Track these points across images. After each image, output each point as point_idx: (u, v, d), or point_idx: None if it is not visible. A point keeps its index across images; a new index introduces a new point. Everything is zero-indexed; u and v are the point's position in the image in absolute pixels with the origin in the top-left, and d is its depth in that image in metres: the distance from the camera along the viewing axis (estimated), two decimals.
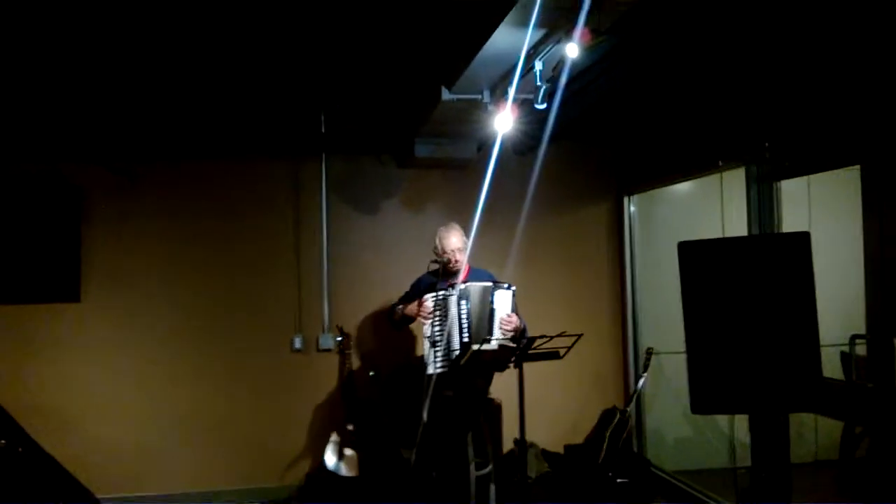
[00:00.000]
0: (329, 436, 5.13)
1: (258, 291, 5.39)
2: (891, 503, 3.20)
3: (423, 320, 4.27)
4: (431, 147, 5.00)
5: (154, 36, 3.86)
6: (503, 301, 4.22)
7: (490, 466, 4.38)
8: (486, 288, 4.24)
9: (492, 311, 4.18)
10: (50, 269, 5.08)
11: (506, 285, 4.26)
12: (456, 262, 4.38)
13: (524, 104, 3.75)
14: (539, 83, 3.24)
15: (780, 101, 3.89)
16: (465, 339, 4.18)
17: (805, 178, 4.84)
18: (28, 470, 4.66)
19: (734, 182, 4.50)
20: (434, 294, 4.25)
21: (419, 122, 4.64)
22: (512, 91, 3.43)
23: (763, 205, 4.05)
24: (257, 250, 5.40)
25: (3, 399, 4.86)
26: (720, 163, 4.35)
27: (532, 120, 4.21)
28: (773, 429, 3.92)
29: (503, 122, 3.76)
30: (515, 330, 4.17)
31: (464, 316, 4.21)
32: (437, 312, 4.23)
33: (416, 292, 4.52)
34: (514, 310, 4.24)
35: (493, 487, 4.38)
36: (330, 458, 4.97)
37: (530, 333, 4.05)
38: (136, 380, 5.22)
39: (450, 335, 4.21)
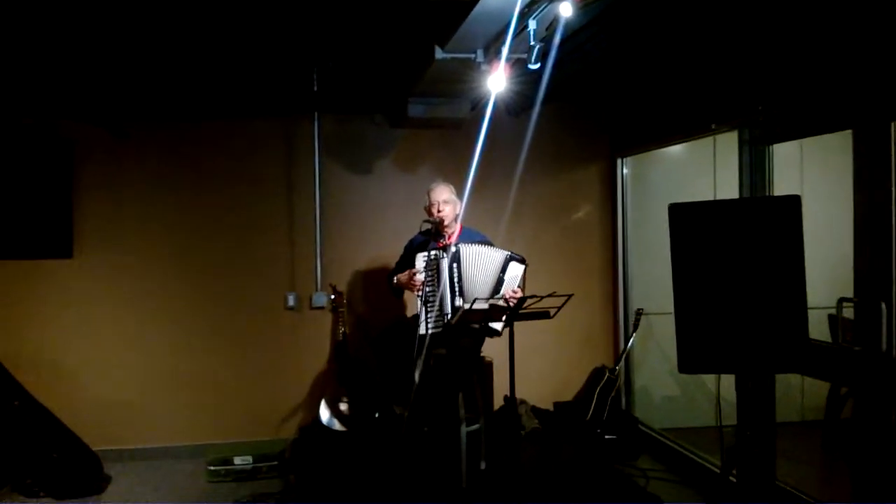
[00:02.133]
0: (323, 392, 5.20)
1: (252, 249, 5.40)
2: (873, 463, 3.28)
3: (416, 293, 4.29)
4: (424, 107, 4.97)
5: None
6: (514, 274, 4.23)
7: (481, 422, 4.45)
8: (502, 256, 4.21)
9: (500, 281, 4.20)
10: (42, 225, 5.07)
11: (519, 258, 4.27)
12: (441, 213, 4.38)
13: (518, 64, 3.72)
14: (533, 43, 3.22)
15: (775, 65, 3.87)
16: (458, 302, 4.20)
17: (798, 141, 4.86)
18: (25, 423, 4.72)
19: (727, 145, 4.50)
20: (425, 254, 4.26)
21: (412, 81, 4.61)
22: (505, 50, 3.40)
23: (755, 168, 4.06)
24: (251, 208, 5.40)
25: None
26: (713, 125, 4.34)
27: (526, 80, 4.18)
28: (759, 389, 3.99)
29: (497, 81, 3.74)
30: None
31: (455, 278, 4.23)
32: (429, 273, 4.25)
33: (409, 254, 4.54)
34: (522, 284, 4.26)
35: (483, 442, 4.46)
36: (324, 414, 5.05)
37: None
38: (131, 335, 5.26)
39: (442, 296, 4.24)
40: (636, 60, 4.80)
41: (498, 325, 4.24)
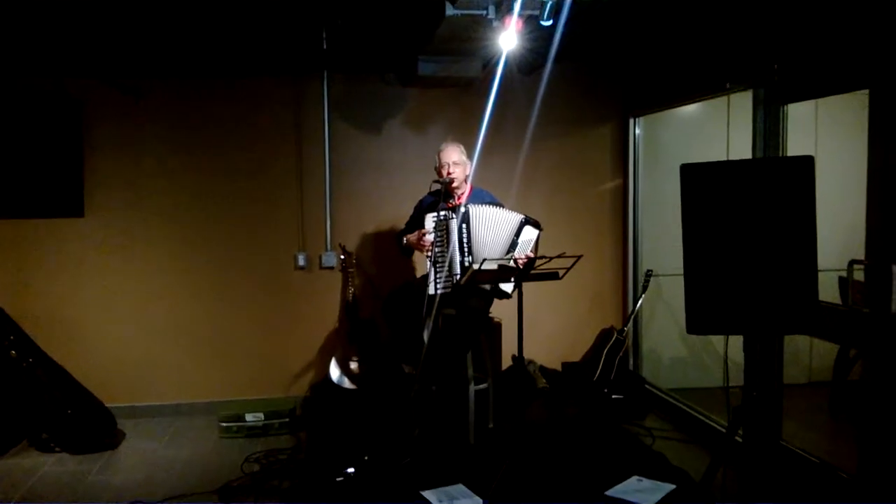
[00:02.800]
0: (333, 350, 5.25)
1: (262, 208, 5.41)
2: (880, 425, 3.30)
3: (426, 253, 4.29)
4: (435, 65, 4.91)
5: None
6: (528, 238, 4.21)
7: (489, 382, 4.49)
8: (517, 219, 4.21)
9: (514, 244, 4.19)
10: (53, 185, 5.08)
11: (534, 222, 4.24)
12: (450, 175, 4.37)
13: (530, 21, 3.67)
14: None
15: (791, 23, 3.81)
16: (468, 263, 4.21)
17: (813, 102, 4.79)
18: (39, 379, 4.79)
19: (741, 105, 4.45)
20: (435, 214, 4.26)
21: (423, 38, 4.55)
22: (517, 6, 3.35)
23: (769, 128, 4.01)
24: (261, 168, 5.39)
25: (12, 312, 4.97)
26: (728, 85, 4.28)
27: (538, 38, 4.13)
28: (767, 350, 4.00)
29: (508, 39, 3.70)
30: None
31: (464, 238, 4.23)
32: (438, 233, 4.25)
33: (419, 214, 4.54)
34: (535, 248, 4.24)
35: (491, 401, 4.51)
36: (334, 372, 5.10)
37: None
38: (143, 293, 5.31)
39: (451, 257, 4.25)
40: (650, 18, 4.72)
41: (508, 288, 4.25)
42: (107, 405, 4.99)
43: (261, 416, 4.93)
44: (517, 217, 4.23)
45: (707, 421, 4.73)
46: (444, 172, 4.39)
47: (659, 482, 3.83)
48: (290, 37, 5.07)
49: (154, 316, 5.33)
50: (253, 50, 5.15)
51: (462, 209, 4.22)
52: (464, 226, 4.22)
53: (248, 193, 5.39)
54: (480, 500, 3.58)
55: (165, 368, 5.36)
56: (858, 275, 3.58)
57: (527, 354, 5.14)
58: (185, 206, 5.33)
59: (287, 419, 4.97)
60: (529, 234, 4.22)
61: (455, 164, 4.39)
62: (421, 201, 4.66)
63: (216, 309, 5.39)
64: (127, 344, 5.30)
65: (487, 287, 4.30)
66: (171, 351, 5.36)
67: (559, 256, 3.74)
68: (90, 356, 5.22)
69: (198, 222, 5.35)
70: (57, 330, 5.17)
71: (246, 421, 4.91)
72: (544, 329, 5.66)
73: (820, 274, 2.82)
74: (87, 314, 5.25)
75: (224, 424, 4.89)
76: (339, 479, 3.86)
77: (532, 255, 4.19)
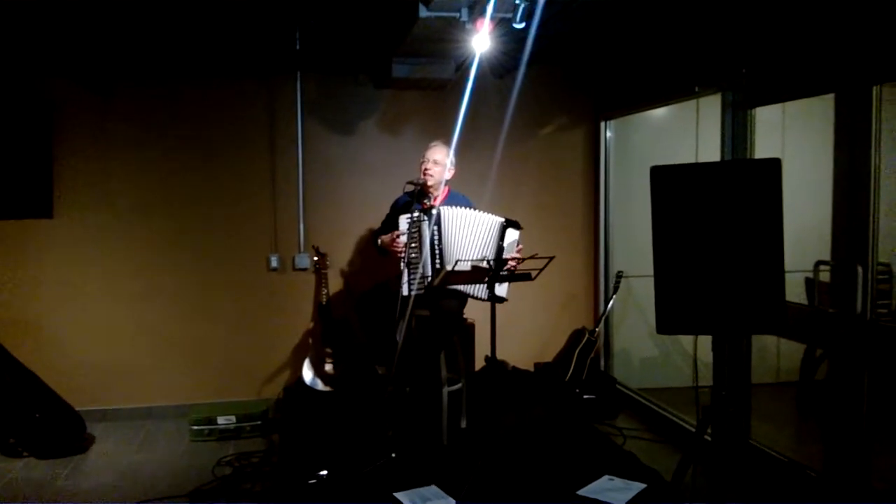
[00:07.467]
0: (306, 352, 5.23)
1: (234, 209, 5.37)
2: (845, 424, 3.36)
3: (399, 255, 4.28)
4: (409, 67, 4.92)
5: None
6: (512, 239, 4.18)
7: (462, 383, 4.50)
8: (497, 222, 4.16)
9: (500, 249, 4.15)
10: (22, 185, 5.00)
11: (514, 222, 4.20)
12: (428, 171, 4.38)
13: (502, 23, 3.70)
14: (518, 1, 3.19)
15: (758, 28, 3.87)
16: (439, 265, 4.21)
17: (780, 105, 4.87)
18: (5, 383, 4.71)
19: (710, 109, 4.52)
20: (409, 216, 4.26)
21: (396, 40, 4.55)
22: (490, 9, 3.37)
23: (737, 131, 4.08)
24: (233, 169, 5.36)
25: None
26: (697, 88, 4.35)
27: (511, 40, 4.15)
28: (735, 350, 4.06)
29: (481, 41, 3.72)
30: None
31: (436, 240, 4.23)
32: (412, 235, 4.25)
33: (394, 214, 4.54)
34: (519, 248, 4.22)
35: (464, 402, 4.52)
36: (307, 374, 5.08)
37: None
38: (113, 295, 5.25)
39: (424, 258, 4.24)
40: (621, 22, 4.77)
41: (503, 292, 4.21)
42: (76, 409, 4.92)
43: (233, 418, 4.89)
44: (496, 220, 4.18)
45: (677, 420, 4.78)
46: (422, 168, 4.40)
47: (630, 481, 3.86)
48: (263, 37, 5.04)
49: (124, 318, 5.27)
50: (226, 50, 5.11)
51: (434, 211, 4.22)
52: (436, 227, 4.22)
53: (220, 195, 5.35)
54: (453, 501, 3.58)
55: (136, 371, 5.29)
56: (824, 276, 3.64)
57: (500, 355, 5.15)
58: (156, 208, 5.27)
59: (259, 422, 4.94)
60: (512, 235, 4.21)
61: (436, 162, 4.40)
62: (396, 201, 4.66)
63: (187, 311, 5.35)
64: (97, 347, 5.23)
65: (485, 298, 4.29)
66: (141, 353, 5.30)
67: (532, 258, 3.76)
68: (59, 359, 5.14)
69: (169, 224, 5.30)
70: (25, 333, 5.09)
71: (217, 424, 4.87)
72: (517, 330, 5.68)
73: (787, 275, 2.86)
74: (57, 317, 5.18)
75: (195, 428, 4.85)
76: (311, 481, 3.85)
77: (518, 254, 4.17)
